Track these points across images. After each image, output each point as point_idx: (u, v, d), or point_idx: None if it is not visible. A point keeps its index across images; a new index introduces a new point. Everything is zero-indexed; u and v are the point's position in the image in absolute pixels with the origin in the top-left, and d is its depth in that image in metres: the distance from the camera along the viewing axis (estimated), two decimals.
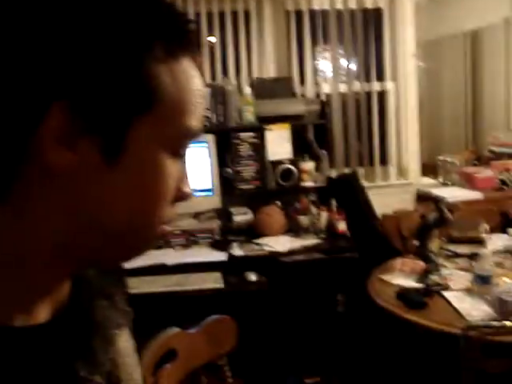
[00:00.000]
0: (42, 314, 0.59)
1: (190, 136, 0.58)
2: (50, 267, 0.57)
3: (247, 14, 4.16)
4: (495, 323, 2.10)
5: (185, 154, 0.60)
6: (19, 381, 0.53)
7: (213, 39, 4.15)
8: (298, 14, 4.25)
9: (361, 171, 4.24)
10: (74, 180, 0.52)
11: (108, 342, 0.68)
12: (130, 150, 0.53)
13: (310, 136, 3.84)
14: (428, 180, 4.74)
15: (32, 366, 0.54)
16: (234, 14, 4.14)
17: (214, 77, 4.10)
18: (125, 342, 0.74)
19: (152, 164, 0.55)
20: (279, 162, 3.69)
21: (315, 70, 4.37)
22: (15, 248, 0.54)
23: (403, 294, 2.50)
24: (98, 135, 0.51)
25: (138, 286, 2.93)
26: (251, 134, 3.66)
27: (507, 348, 2.10)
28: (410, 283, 2.66)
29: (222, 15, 4.11)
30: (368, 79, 4.40)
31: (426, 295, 2.48)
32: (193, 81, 0.57)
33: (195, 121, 0.58)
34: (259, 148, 3.67)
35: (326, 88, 4.32)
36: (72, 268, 0.60)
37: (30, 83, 0.48)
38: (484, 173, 4.43)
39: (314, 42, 4.32)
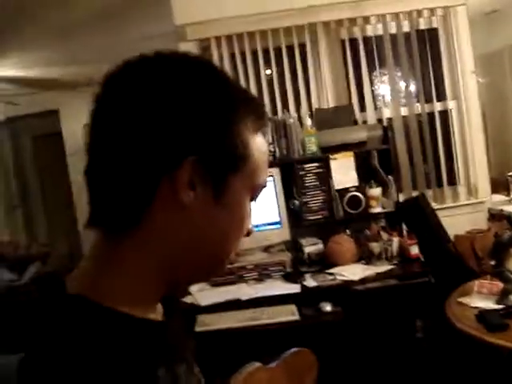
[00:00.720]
0: (159, 315, 0.82)
1: (262, 186, 0.82)
2: (161, 279, 0.76)
3: (303, 47, 4.22)
4: None
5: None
6: (157, 357, 0.72)
7: (268, 71, 4.23)
8: (353, 42, 4.27)
9: (429, 193, 4.19)
10: (191, 212, 0.73)
11: (194, 361, 0.89)
12: (228, 193, 0.75)
13: (375, 162, 3.83)
14: (499, 197, 4.62)
15: (161, 349, 0.74)
16: (290, 48, 4.20)
17: (274, 111, 4.16)
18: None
19: (241, 205, 0.79)
20: (346, 190, 3.70)
21: (374, 96, 4.37)
22: (141, 263, 0.74)
23: (483, 317, 2.45)
24: (211, 181, 0.73)
25: (215, 322, 2.97)
26: (315, 164, 3.69)
27: None
28: (490, 305, 2.60)
29: (278, 50, 4.18)
30: (428, 100, 4.36)
31: (506, 316, 2.41)
32: (265, 146, 0.81)
33: (266, 174, 0.82)
34: (324, 178, 3.69)
35: (386, 112, 4.32)
36: (169, 283, 0.79)
37: (174, 147, 0.71)
38: None
39: (371, 68, 4.33)
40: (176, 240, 0.74)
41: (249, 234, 0.83)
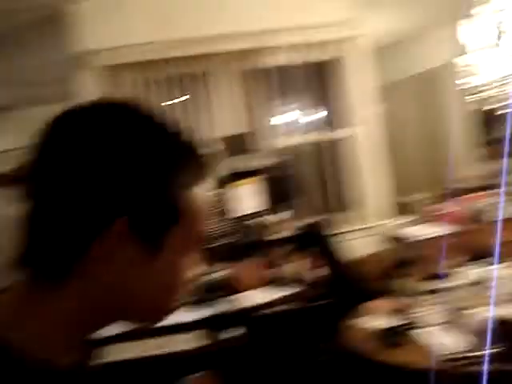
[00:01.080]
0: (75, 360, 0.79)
1: (202, 237, 0.81)
2: (85, 326, 0.76)
3: (206, 76, 4.27)
4: (470, 354, 2.15)
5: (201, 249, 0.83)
6: None
7: (184, 98, 4.24)
8: (256, 72, 4.35)
9: (333, 217, 4.30)
10: (124, 268, 0.74)
11: None
12: (163, 250, 0.75)
13: (279, 188, 3.91)
14: (399, 220, 4.80)
15: None
16: (194, 76, 4.24)
17: None
18: None
19: (178, 259, 0.78)
20: (252, 215, 3.75)
21: (277, 124, 4.46)
22: (70, 311, 0.74)
23: (381, 335, 2.53)
24: (144, 238, 0.73)
25: (117, 352, 2.91)
26: (219, 191, 3.72)
27: (482, 378, 2.13)
28: (385, 324, 2.68)
29: (180, 78, 4.21)
30: (331, 128, 4.49)
31: (400, 334, 2.51)
32: (204, 198, 0.80)
33: (204, 226, 0.80)
34: (231, 204, 3.72)
35: (289, 140, 4.41)
36: (96, 328, 0.79)
37: (105, 209, 0.71)
38: (451, 208, 4.51)
39: (275, 96, 4.42)
40: (108, 293, 0.75)
41: (198, 279, 0.84)
